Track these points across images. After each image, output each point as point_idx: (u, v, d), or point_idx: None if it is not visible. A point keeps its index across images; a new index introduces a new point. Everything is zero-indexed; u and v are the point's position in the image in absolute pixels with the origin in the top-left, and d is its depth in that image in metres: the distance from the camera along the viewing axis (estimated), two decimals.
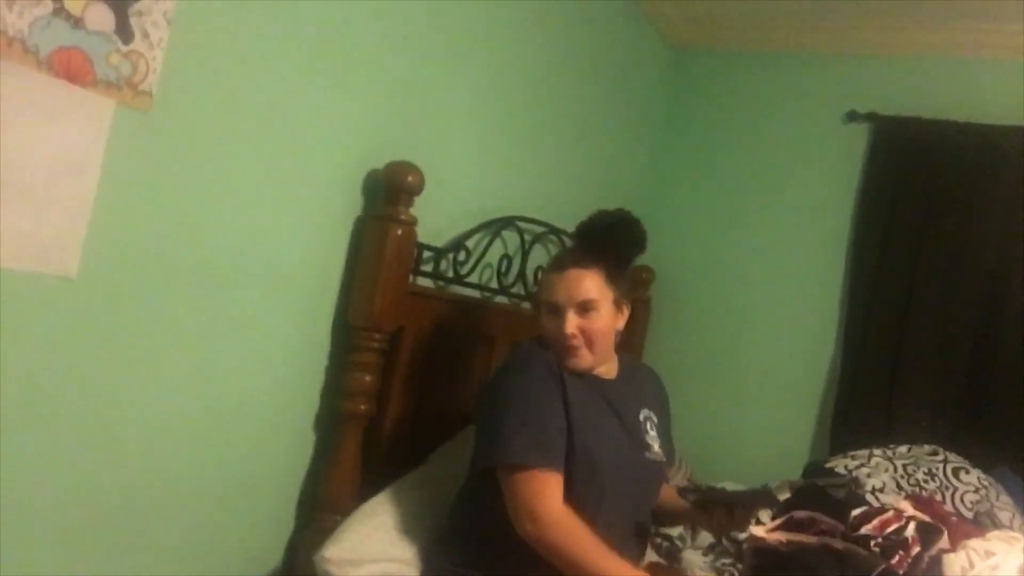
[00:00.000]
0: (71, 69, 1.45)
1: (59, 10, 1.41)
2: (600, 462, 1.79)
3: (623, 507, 1.82)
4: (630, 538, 1.84)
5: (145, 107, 1.57)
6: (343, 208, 2.07)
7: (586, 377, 1.87)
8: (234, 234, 1.81)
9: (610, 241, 1.87)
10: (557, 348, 1.83)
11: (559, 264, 1.91)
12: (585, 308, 1.83)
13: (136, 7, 1.53)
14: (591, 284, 1.84)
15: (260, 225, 1.87)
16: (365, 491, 2.04)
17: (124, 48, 1.52)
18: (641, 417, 1.94)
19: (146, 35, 1.55)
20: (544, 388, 1.79)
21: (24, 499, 1.50)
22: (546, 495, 1.71)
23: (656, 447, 1.92)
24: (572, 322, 1.82)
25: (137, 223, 1.60)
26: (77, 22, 1.44)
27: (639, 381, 2.03)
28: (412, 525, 1.96)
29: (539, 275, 2.72)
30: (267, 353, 1.95)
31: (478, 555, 1.81)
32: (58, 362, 1.52)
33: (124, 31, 1.52)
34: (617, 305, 1.89)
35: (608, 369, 1.93)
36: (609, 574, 1.67)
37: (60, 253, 1.48)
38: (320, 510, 2.05)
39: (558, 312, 1.84)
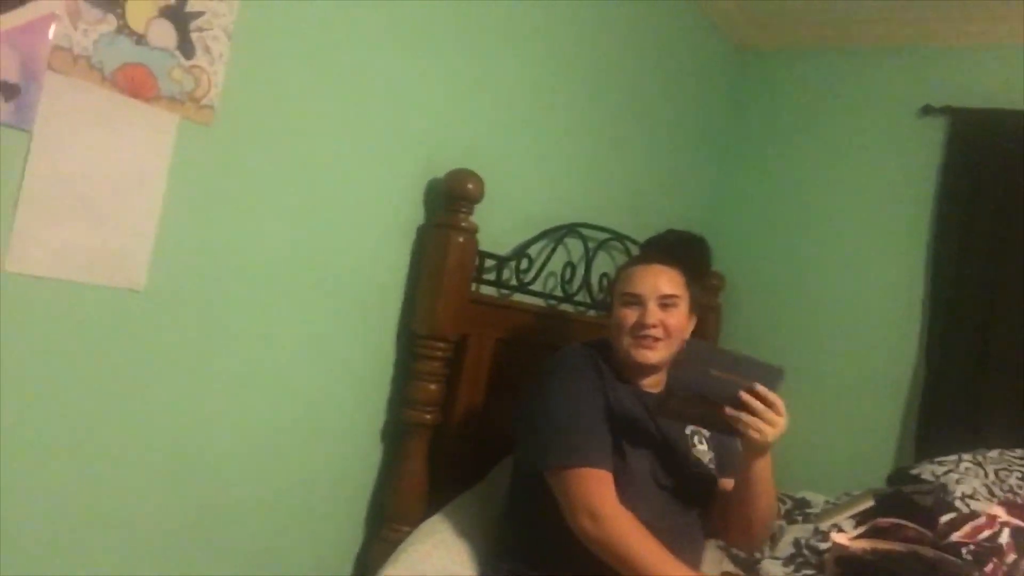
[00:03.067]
0: (135, 85, 1.48)
1: (123, 27, 1.45)
2: (633, 470, 1.74)
3: (652, 519, 1.71)
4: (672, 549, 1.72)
5: (207, 121, 1.60)
6: (405, 216, 2.08)
7: (631, 386, 1.84)
8: (297, 244, 1.83)
9: (677, 257, 1.87)
10: (630, 340, 1.81)
11: (643, 259, 1.93)
12: (666, 303, 1.83)
13: (197, 23, 1.56)
14: (674, 280, 1.85)
15: (322, 235, 1.88)
16: (433, 501, 2.03)
17: (186, 63, 1.55)
18: (688, 431, 1.89)
19: (207, 50, 1.58)
20: (588, 387, 1.78)
21: (90, 508, 1.53)
22: (602, 492, 1.68)
23: (706, 460, 1.86)
24: (655, 313, 1.80)
25: (202, 235, 1.63)
26: (140, 39, 1.48)
27: (683, 368, 1.95)
28: (472, 541, 1.94)
29: (604, 282, 2.69)
30: (332, 363, 1.96)
31: (533, 562, 1.78)
32: (127, 374, 1.54)
33: (186, 47, 1.55)
34: (690, 309, 1.87)
35: (656, 382, 1.89)
36: (667, 574, 1.62)
37: (127, 266, 1.51)
38: (388, 521, 2.04)
39: (640, 303, 1.82)
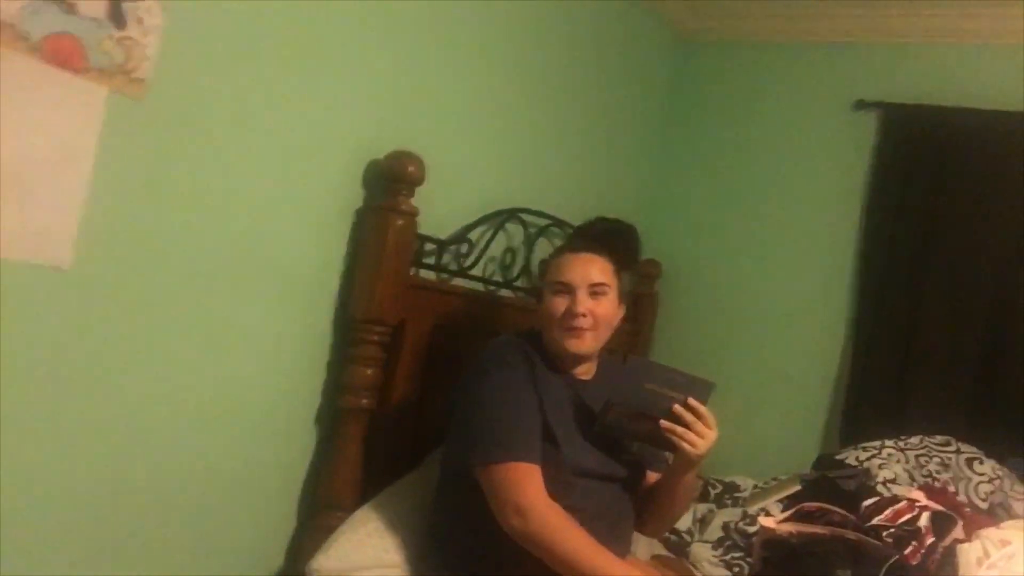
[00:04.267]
0: (63, 55, 1.43)
1: None
2: (566, 459, 1.75)
3: (591, 508, 1.75)
4: (603, 536, 1.72)
5: (139, 95, 1.55)
6: (344, 199, 2.05)
7: (563, 376, 1.85)
8: (231, 225, 1.79)
9: (607, 246, 1.87)
10: (559, 329, 1.81)
11: (572, 246, 1.91)
12: (596, 292, 1.82)
13: None
14: (604, 269, 1.84)
15: (258, 216, 1.84)
16: (368, 487, 2.02)
17: (117, 34, 1.50)
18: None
19: (140, 21, 1.53)
20: (519, 382, 1.77)
21: (18, 494, 1.48)
22: (530, 488, 1.67)
23: (634, 448, 1.89)
24: (584, 302, 1.80)
25: (131, 213, 1.58)
26: (70, 7, 1.42)
27: (621, 382, 1.98)
28: (405, 530, 1.93)
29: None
30: (266, 347, 1.93)
31: (462, 558, 1.78)
32: (51, 353, 1.49)
33: (117, 17, 1.50)
34: (619, 298, 1.87)
35: (587, 369, 1.90)
36: (599, 567, 1.63)
37: (52, 243, 1.46)
38: (323, 507, 2.02)
39: (569, 292, 1.82)
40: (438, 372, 2.22)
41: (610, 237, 1.88)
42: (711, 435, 1.71)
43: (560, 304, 1.82)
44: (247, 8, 1.73)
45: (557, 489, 1.72)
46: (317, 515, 2.02)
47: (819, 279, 3.16)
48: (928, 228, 2.93)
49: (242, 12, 1.72)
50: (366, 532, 1.89)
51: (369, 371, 2.03)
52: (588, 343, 1.82)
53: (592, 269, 1.83)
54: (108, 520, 1.65)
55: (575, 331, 1.80)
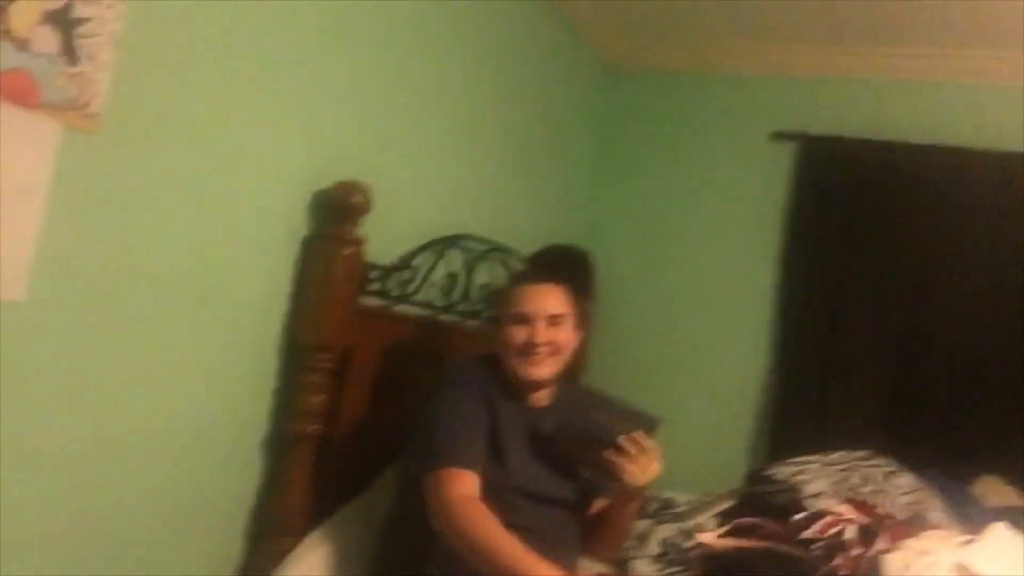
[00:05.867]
0: (17, 91, 1.42)
1: (4, 32, 1.39)
2: (513, 479, 1.82)
3: (534, 529, 1.79)
4: (544, 556, 1.73)
5: (92, 129, 1.55)
6: (291, 227, 2.07)
7: (517, 401, 1.90)
8: (181, 255, 1.79)
9: (563, 275, 1.94)
10: (518, 358, 1.87)
11: (529, 277, 1.97)
12: (554, 321, 1.88)
13: (82, 29, 1.51)
14: (561, 299, 1.91)
15: (207, 245, 1.85)
16: (320, 512, 2.03)
17: (70, 70, 1.50)
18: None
19: (92, 57, 1.54)
20: (470, 398, 1.84)
21: None
22: (454, 486, 1.71)
23: (585, 475, 1.95)
24: (543, 333, 1.86)
25: (85, 245, 1.58)
26: (22, 44, 1.42)
27: (572, 408, 2.05)
28: (358, 553, 1.97)
29: (483, 292, 2.75)
30: (215, 375, 1.93)
31: (415, 569, 1.81)
32: (5, 384, 1.48)
33: (70, 53, 1.50)
34: (577, 325, 1.94)
35: (544, 396, 1.97)
36: (517, 561, 1.65)
37: (7, 277, 1.45)
38: (273, 533, 2.02)
39: (527, 322, 1.87)
40: (387, 397, 2.25)
41: (565, 266, 1.95)
42: (653, 468, 1.80)
43: (519, 334, 1.88)
44: (196, 44, 1.74)
45: (500, 508, 1.78)
46: (267, 540, 2.02)
47: (744, 301, 3.30)
48: (845, 252, 3.10)
49: (191, 47, 1.74)
50: (317, 558, 1.91)
51: (316, 398, 2.05)
52: (547, 369, 1.88)
53: (549, 301, 1.89)
54: (58, 544, 1.64)
55: (534, 358, 1.86)
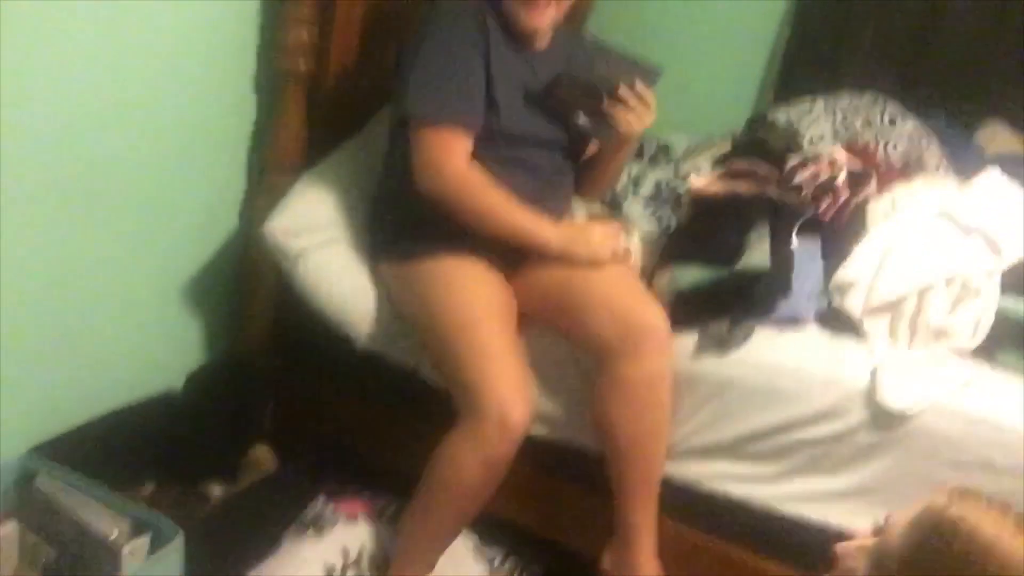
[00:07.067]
0: None
1: None
2: (507, 126, 1.79)
3: (528, 171, 1.83)
4: (537, 195, 1.83)
5: None
6: None
7: (514, 47, 1.82)
8: None
9: None
10: (520, 2, 1.75)
11: None
12: None
13: None
14: None
15: None
16: (313, 152, 2.05)
17: None
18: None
19: None
20: (468, 41, 1.76)
21: None
22: (453, 152, 1.73)
23: (580, 121, 1.90)
24: None
25: None
26: None
27: (572, 54, 1.95)
28: (356, 191, 2.00)
29: None
30: (198, 12, 1.84)
31: (405, 219, 1.85)
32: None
33: None
34: None
35: (542, 40, 1.87)
36: (518, 224, 1.76)
37: None
38: (268, 172, 2.06)
39: None
40: (378, 36, 2.15)
41: None
42: (649, 118, 1.81)
43: None
44: None
45: (492, 152, 1.78)
46: (264, 179, 2.07)
47: None
48: None
49: None
50: (317, 194, 1.95)
51: (304, 31, 1.96)
52: (548, 15, 1.78)
53: None
54: (70, 196, 1.71)
55: (537, 3, 1.75)
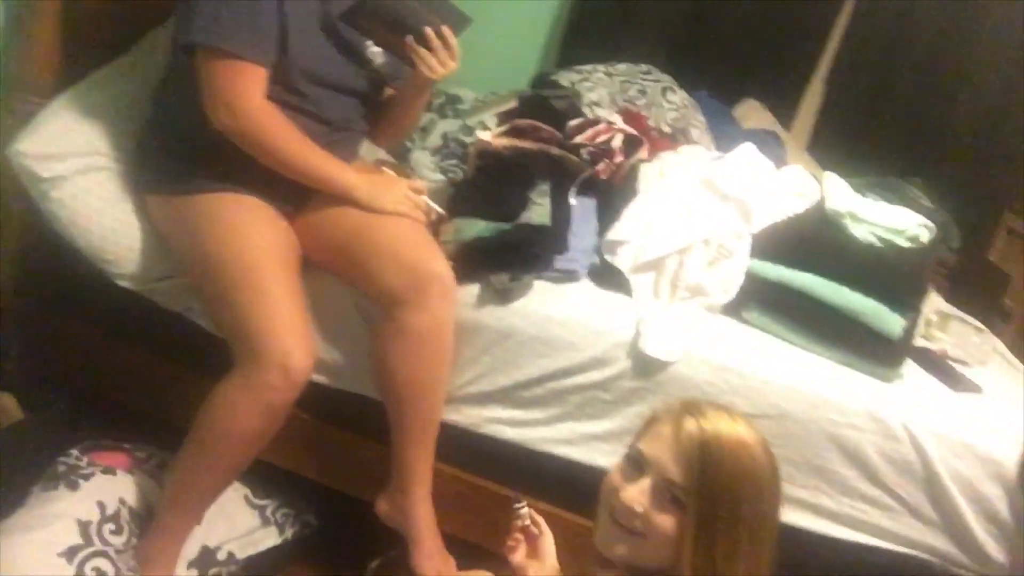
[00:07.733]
0: None
1: None
2: (297, 62, 1.71)
3: (319, 114, 1.78)
4: (325, 140, 1.78)
5: None
6: None
7: None
8: None
9: None
10: None
11: None
12: None
13: None
14: None
15: None
16: (68, 74, 1.86)
17: None
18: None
19: None
20: None
21: None
22: (248, 88, 1.64)
23: (378, 61, 1.87)
24: None
25: None
26: None
27: None
28: (120, 116, 1.85)
29: None
30: None
31: (184, 142, 1.74)
32: None
33: None
34: None
35: None
36: (323, 168, 1.71)
37: None
38: (15, 90, 1.85)
39: None
40: None
41: None
42: (451, 66, 1.78)
43: None
44: None
45: (283, 92, 1.70)
46: (9, 98, 1.85)
47: None
48: None
49: None
50: (73, 117, 1.78)
51: None
52: None
53: None
54: None
55: None
